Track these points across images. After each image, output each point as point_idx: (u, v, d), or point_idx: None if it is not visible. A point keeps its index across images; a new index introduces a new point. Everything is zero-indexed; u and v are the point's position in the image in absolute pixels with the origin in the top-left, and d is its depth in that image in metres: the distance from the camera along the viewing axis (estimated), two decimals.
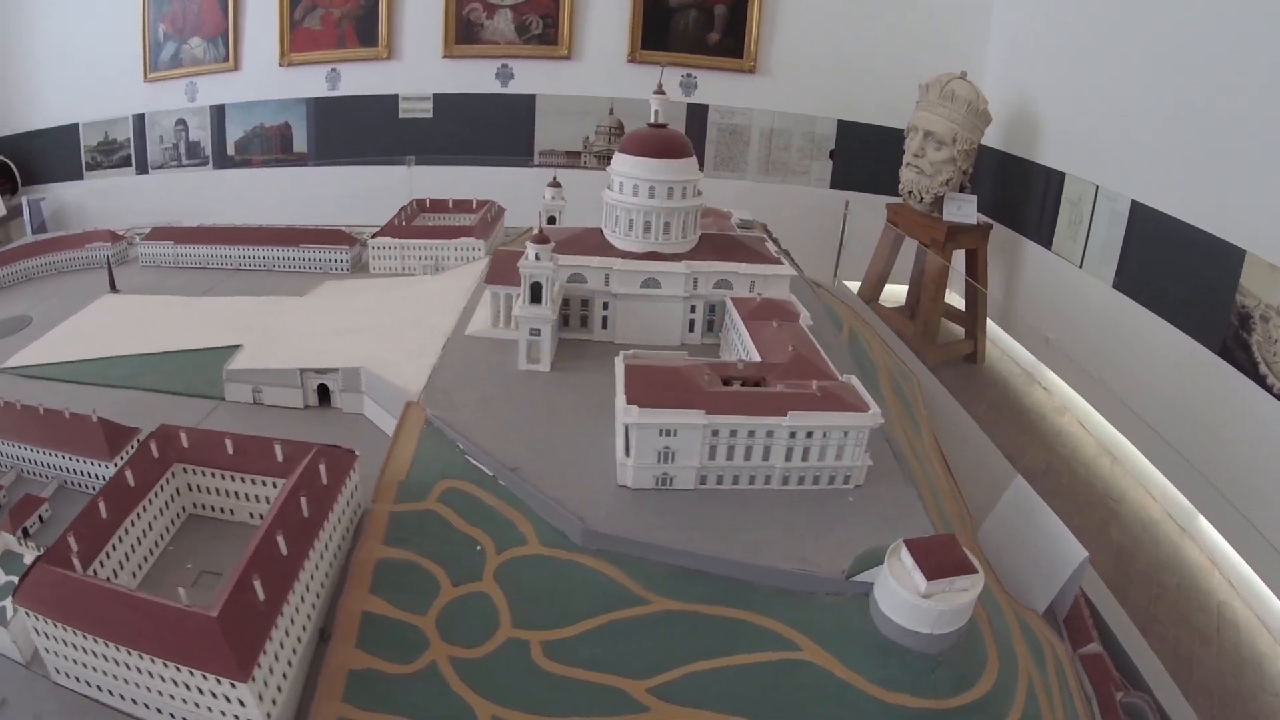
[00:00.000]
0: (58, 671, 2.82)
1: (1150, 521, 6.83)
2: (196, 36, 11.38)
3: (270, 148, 12.15)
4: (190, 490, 3.60)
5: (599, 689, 2.66)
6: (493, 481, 3.43)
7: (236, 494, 3.48)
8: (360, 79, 11.63)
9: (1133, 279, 7.67)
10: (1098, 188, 8.09)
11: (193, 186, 12.14)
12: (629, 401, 3.18)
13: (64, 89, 11.74)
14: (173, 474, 3.53)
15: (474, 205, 7.56)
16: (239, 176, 12.19)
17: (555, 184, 5.45)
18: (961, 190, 9.31)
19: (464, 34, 11.07)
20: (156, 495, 3.41)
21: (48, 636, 2.73)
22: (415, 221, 7.40)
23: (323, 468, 3.22)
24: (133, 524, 3.24)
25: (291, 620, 2.75)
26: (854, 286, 10.28)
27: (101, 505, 3.13)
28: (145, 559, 3.32)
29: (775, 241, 7.62)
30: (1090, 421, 8.36)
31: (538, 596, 2.96)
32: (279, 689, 2.62)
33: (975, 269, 9.57)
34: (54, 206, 11.54)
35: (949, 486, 4.42)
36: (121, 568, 3.15)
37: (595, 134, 11.39)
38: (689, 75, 11.11)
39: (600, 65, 11.10)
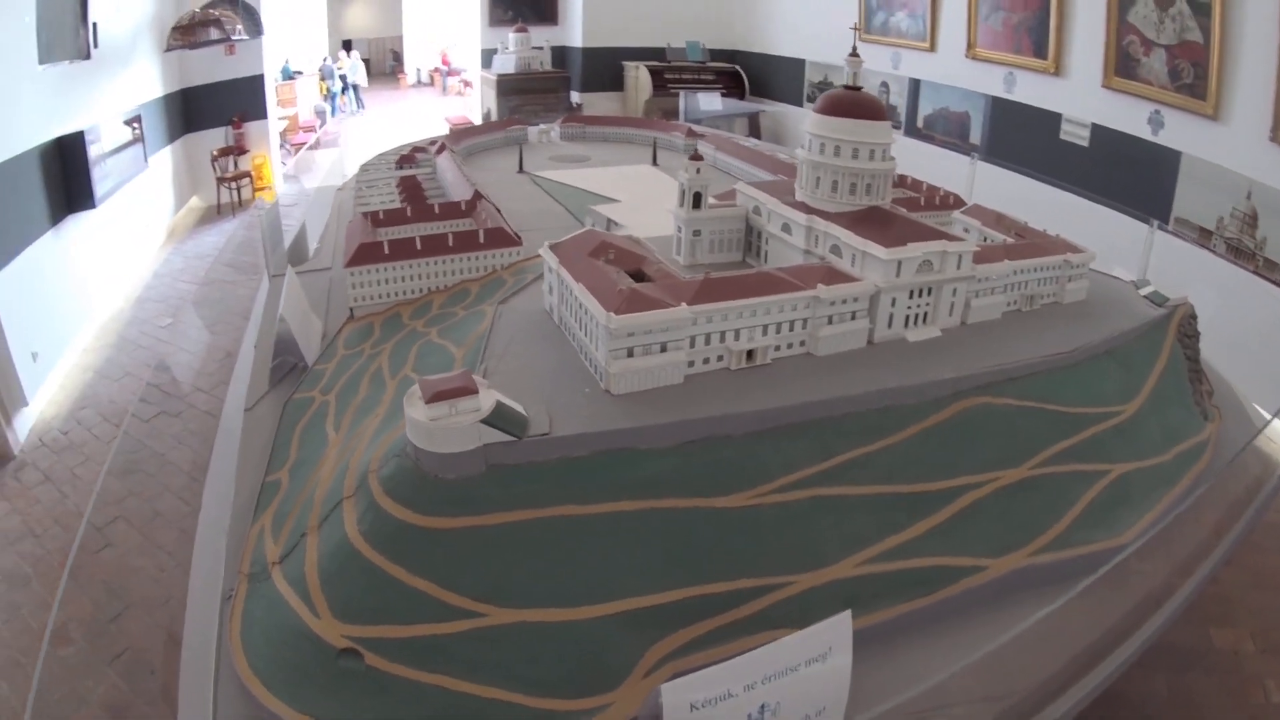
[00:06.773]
0: None
1: None
2: (902, 11, 14.12)
3: (950, 130, 14.38)
4: None
5: None
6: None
7: None
8: (1031, 88, 12.63)
9: None
10: None
11: None
12: (550, 246, 5.06)
13: (797, 31, 16.93)
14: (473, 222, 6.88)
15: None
16: (919, 148, 14.71)
17: (697, 156, 6.06)
18: None
19: (1122, 67, 10.99)
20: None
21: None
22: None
23: (482, 234, 6.16)
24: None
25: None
26: None
27: (408, 208, 6.73)
28: None
29: (1188, 336, 6.47)
30: None
31: (459, 334, 5.28)
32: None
33: None
34: (774, 120, 16.29)
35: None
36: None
37: (1230, 216, 9.64)
38: None
39: (1245, 135, 9.39)
